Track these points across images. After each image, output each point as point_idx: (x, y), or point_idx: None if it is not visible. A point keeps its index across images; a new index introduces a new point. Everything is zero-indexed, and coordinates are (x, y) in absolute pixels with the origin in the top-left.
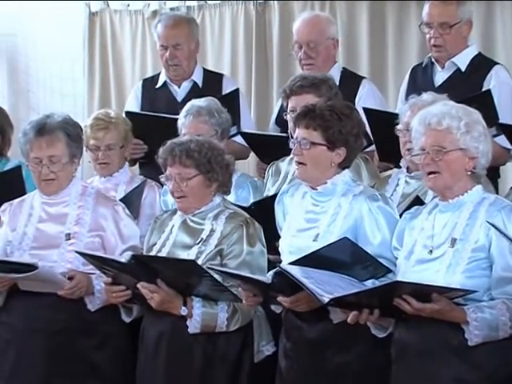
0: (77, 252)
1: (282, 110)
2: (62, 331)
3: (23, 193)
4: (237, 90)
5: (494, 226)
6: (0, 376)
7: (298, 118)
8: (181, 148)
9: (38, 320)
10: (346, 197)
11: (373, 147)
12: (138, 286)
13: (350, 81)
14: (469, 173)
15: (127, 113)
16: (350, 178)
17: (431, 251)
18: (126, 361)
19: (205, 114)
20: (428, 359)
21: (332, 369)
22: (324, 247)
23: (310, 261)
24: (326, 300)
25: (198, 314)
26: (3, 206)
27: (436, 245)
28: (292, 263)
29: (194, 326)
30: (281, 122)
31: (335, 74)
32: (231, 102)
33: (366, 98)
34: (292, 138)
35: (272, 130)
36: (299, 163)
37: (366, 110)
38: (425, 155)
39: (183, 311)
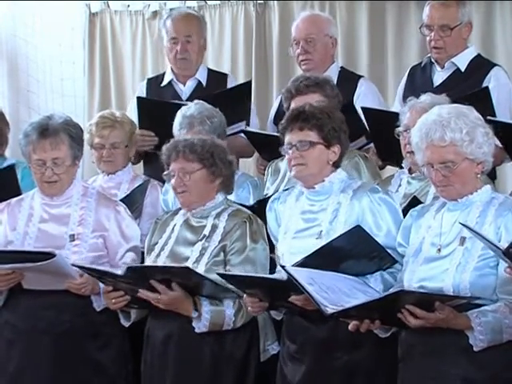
0: (73, 265)
1: (281, 109)
2: (66, 332)
3: (18, 192)
4: (249, 83)
5: (466, 226)
6: (4, 376)
7: (289, 122)
8: (184, 144)
9: (43, 321)
10: (345, 193)
11: (371, 145)
12: (139, 294)
13: (348, 80)
14: (478, 175)
15: (139, 98)
16: (345, 176)
17: (440, 250)
18: (128, 361)
19: (197, 124)
20: (435, 359)
21: (341, 367)
22: (337, 238)
23: (320, 255)
24: (330, 311)
25: (206, 312)
26: (0, 206)
27: (445, 243)
28: (305, 258)
29: (202, 325)
30: (278, 121)
31: (333, 73)
32: (241, 94)
33: (363, 96)
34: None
35: (270, 128)
36: (298, 164)
37: (364, 109)
38: (435, 172)
39: (194, 314)
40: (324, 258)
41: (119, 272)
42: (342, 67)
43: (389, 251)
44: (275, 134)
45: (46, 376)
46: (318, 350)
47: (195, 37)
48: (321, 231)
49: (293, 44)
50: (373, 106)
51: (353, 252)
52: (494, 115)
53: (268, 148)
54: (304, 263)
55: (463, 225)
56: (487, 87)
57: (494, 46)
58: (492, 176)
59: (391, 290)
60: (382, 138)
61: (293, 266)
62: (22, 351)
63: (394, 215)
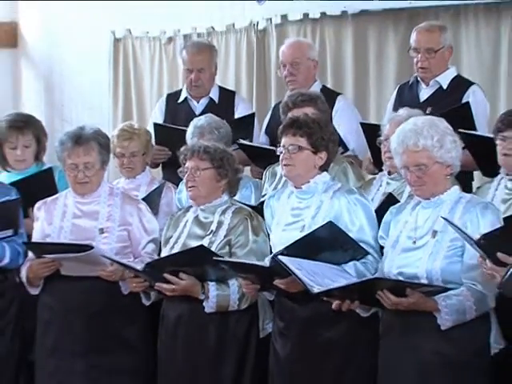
0: (104, 256)
1: (272, 121)
2: (97, 313)
3: (55, 191)
4: (253, 115)
5: (446, 219)
6: (43, 351)
7: (285, 127)
8: (200, 145)
9: (77, 303)
10: (326, 193)
11: (349, 152)
12: (156, 288)
13: (328, 96)
14: (447, 177)
15: (155, 124)
16: (328, 178)
17: (415, 242)
18: (149, 337)
19: (207, 133)
20: (411, 335)
21: (322, 343)
22: (312, 231)
23: (299, 246)
24: (316, 291)
25: (213, 296)
26: (38, 204)
27: (419, 236)
28: (285, 248)
29: (209, 307)
30: (269, 132)
31: (315, 90)
32: (246, 124)
33: (341, 110)
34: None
35: (263, 137)
36: (287, 164)
37: (362, 124)
38: (410, 173)
39: (201, 296)
40: (302, 248)
41: (139, 267)
42: (323, 85)
43: (361, 244)
44: (266, 146)
45: (80, 351)
46: (301, 328)
47: (207, 67)
48: (304, 225)
49: (281, 67)
50: (349, 119)
51: (328, 243)
52: (473, 127)
53: (260, 158)
54: (284, 252)
55: (445, 219)
56: (468, 102)
57: (460, 70)
58: (470, 179)
59: (368, 277)
60: (377, 148)
61: (274, 254)
62: (58, 329)
63: (367, 214)
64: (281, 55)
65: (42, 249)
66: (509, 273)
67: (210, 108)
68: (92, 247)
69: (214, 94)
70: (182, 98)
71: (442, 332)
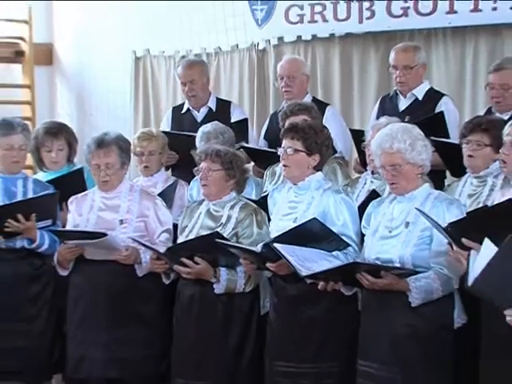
0: (132, 239)
1: (270, 128)
2: (119, 292)
3: (84, 188)
4: (246, 120)
5: (419, 210)
6: (73, 324)
7: (285, 131)
8: (213, 149)
9: (101, 283)
10: (318, 191)
11: (337, 154)
12: (175, 269)
13: (318, 107)
14: (419, 176)
15: (162, 132)
16: (321, 178)
17: (390, 231)
18: (165, 314)
19: (212, 138)
20: (386, 310)
21: (305, 319)
22: (299, 225)
23: (288, 236)
24: (303, 274)
25: (224, 280)
26: (71, 199)
27: (394, 226)
28: (275, 238)
29: (219, 288)
30: (268, 138)
31: (308, 101)
32: (241, 127)
33: (329, 120)
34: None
35: (261, 142)
36: (285, 165)
37: (350, 130)
38: (386, 172)
39: (213, 279)
40: (292, 238)
41: (161, 250)
42: (313, 97)
43: (343, 237)
44: (266, 149)
45: (103, 325)
46: (290, 305)
47: (198, 79)
48: (296, 217)
49: (278, 79)
50: (336, 126)
51: (313, 236)
52: (447, 133)
53: (261, 159)
54: (275, 240)
55: (418, 209)
56: (442, 112)
57: (431, 81)
58: (443, 176)
59: (347, 262)
60: (363, 151)
61: (265, 243)
62: (85, 306)
63: (350, 211)
64: (279, 69)
65: (65, 235)
66: (475, 275)
67: (209, 116)
68: (106, 234)
69: (212, 104)
70: (184, 109)
71: (412, 308)
